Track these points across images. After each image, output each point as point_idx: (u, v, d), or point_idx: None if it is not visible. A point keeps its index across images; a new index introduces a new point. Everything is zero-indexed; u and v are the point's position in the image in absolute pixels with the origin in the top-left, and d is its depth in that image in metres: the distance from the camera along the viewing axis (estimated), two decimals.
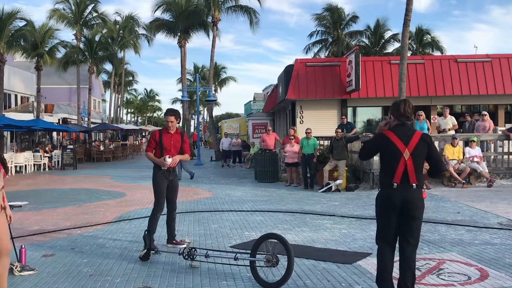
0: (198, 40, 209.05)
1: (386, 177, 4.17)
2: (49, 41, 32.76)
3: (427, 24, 53.27)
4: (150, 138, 6.72)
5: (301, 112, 20.03)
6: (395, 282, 4.28)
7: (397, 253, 4.33)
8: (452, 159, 12.83)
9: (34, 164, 23.36)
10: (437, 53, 35.48)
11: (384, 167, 4.25)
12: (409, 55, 23.61)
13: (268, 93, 33.50)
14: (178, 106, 65.76)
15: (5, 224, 4.02)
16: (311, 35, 37.47)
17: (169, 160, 6.40)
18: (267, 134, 17.21)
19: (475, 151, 12.97)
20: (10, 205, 6.24)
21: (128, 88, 73.61)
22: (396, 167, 4.10)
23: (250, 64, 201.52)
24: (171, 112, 6.69)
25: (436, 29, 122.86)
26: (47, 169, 23.98)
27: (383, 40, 37.24)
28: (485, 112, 15.31)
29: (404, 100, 4.29)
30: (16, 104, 35.98)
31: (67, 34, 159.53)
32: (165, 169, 6.51)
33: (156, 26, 33.97)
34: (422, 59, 21.07)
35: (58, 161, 25.83)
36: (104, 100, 62.82)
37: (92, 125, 38.71)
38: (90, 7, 38.97)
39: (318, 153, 14.24)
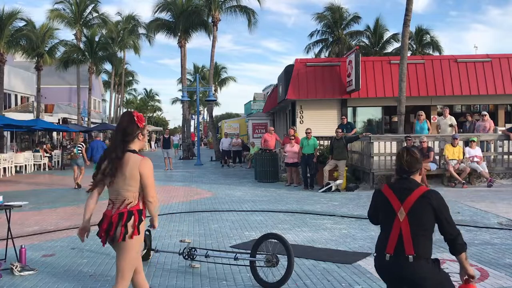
0: (197, 40, 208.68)
1: (380, 244, 3.27)
2: (49, 41, 32.77)
3: (425, 25, 53.22)
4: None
5: (301, 112, 20.01)
6: None
7: None
8: (452, 159, 12.84)
9: (34, 164, 23.36)
10: (436, 54, 35.47)
11: (380, 230, 3.36)
12: (409, 55, 23.61)
13: (268, 93, 33.48)
14: (178, 106, 65.68)
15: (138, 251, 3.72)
16: (311, 34, 37.51)
17: None
18: (269, 134, 17.25)
19: (475, 151, 12.97)
20: (10, 205, 6.24)
21: (128, 88, 73.55)
22: (389, 231, 3.18)
23: (249, 65, 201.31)
24: None
25: (434, 29, 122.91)
26: (47, 169, 23.98)
27: (383, 40, 37.24)
28: (485, 112, 15.31)
29: (403, 149, 3.36)
30: (16, 104, 35.97)
31: (67, 34, 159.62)
32: None
33: (156, 26, 33.97)
34: (422, 59, 21.06)
35: (58, 161, 25.83)
36: (104, 100, 62.80)
37: (92, 125, 38.69)
38: (90, 7, 38.97)
39: (318, 153, 14.25)
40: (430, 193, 3.15)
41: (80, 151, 15.25)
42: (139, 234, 3.60)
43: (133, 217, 3.57)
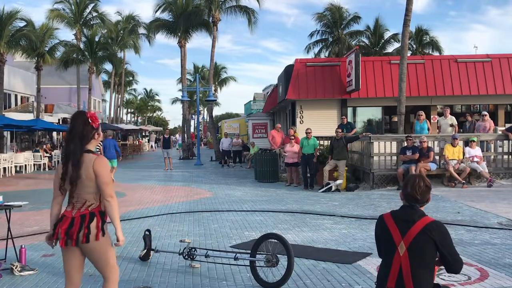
0: (198, 40, 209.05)
1: (382, 275, 3.17)
2: (49, 41, 32.76)
3: (425, 25, 53.21)
4: None
5: (301, 112, 20.00)
6: None
7: None
8: (452, 159, 12.84)
9: (34, 164, 23.36)
10: (436, 54, 35.45)
11: (382, 260, 3.24)
12: (409, 55, 23.59)
13: (268, 93, 33.46)
14: (178, 106, 65.68)
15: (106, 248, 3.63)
16: (311, 34, 37.50)
17: None
18: (276, 130, 17.39)
19: (475, 151, 12.97)
20: (10, 205, 6.24)
21: (128, 88, 73.55)
22: (390, 265, 3.08)
23: (249, 65, 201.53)
24: None
25: (434, 29, 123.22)
26: (47, 169, 23.98)
27: (383, 40, 37.21)
28: (485, 113, 15.31)
29: (419, 177, 3.20)
30: (16, 104, 35.95)
31: (67, 34, 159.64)
32: None
33: (156, 26, 33.98)
34: (422, 59, 21.05)
35: (58, 161, 25.82)
36: (104, 100, 62.76)
37: None
38: (90, 7, 38.97)
39: (318, 153, 14.25)
40: (432, 226, 3.02)
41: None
42: (103, 235, 3.55)
43: (95, 218, 3.53)
